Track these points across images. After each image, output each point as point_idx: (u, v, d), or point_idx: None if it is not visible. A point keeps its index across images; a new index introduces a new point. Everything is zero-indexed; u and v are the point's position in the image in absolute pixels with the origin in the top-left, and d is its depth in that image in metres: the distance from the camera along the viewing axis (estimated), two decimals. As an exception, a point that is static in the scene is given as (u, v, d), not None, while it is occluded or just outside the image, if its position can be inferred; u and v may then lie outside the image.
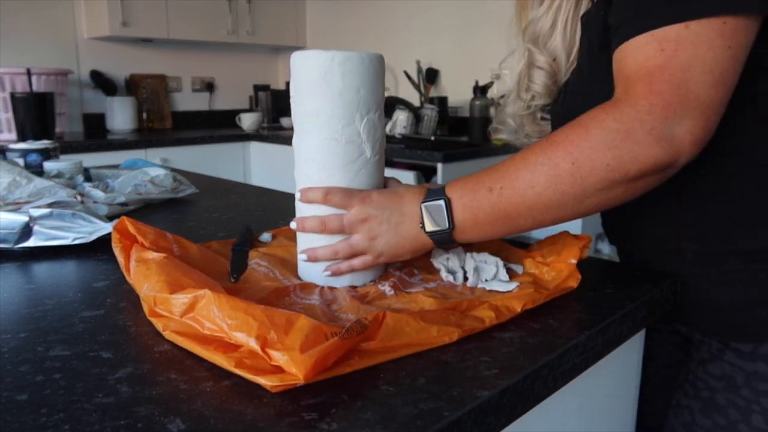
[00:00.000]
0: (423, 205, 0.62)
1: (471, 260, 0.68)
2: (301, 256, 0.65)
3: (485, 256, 0.69)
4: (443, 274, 0.67)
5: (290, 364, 0.44)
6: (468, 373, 0.47)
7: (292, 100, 0.64)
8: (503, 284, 0.64)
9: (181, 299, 0.52)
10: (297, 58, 0.62)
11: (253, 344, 0.46)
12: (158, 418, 0.41)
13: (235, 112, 3.65)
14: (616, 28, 0.59)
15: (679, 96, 0.54)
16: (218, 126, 3.71)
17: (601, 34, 0.64)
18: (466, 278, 0.67)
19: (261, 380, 0.44)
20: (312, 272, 0.65)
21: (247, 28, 3.51)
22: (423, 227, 0.62)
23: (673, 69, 0.54)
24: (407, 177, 2.39)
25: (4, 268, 0.75)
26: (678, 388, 0.77)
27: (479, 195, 0.60)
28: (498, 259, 0.68)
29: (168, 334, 0.52)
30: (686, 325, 0.76)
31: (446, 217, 0.61)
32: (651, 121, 0.54)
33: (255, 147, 3.22)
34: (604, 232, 0.84)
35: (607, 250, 2.90)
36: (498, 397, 0.45)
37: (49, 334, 0.55)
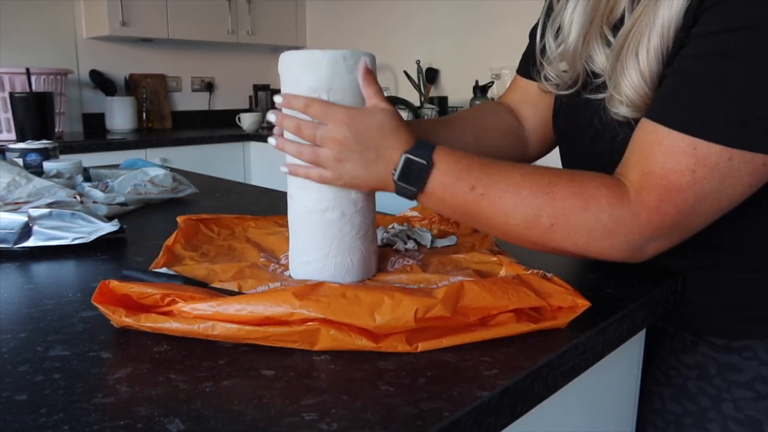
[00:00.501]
0: (405, 156, 0.59)
1: (411, 233, 0.78)
2: (282, 169, 0.65)
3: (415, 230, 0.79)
4: (400, 245, 0.73)
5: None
6: (468, 373, 0.47)
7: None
8: (445, 240, 0.77)
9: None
10: (281, 58, 0.64)
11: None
12: (158, 418, 0.41)
13: (234, 112, 3.65)
14: (672, 97, 0.56)
15: (677, 222, 0.56)
16: (218, 126, 3.71)
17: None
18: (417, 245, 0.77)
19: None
20: (300, 271, 0.65)
21: (247, 28, 3.51)
22: (394, 176, 0.60)
23: (690, 196, 0.54)
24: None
25: (4, 268, 0.75)
26: (649, 376, 0.78)
27: (460, 186, 0.60)
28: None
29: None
30: (660, 319, 0.76)
31: (421, 181, 0.60)
32: (636, 235, 0.56)
33: (255, 147, 3.22)
34: None
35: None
36: (498, 397, 0.45)
37: (49, 334, 0.55)
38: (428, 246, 0.77)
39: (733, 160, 0.53)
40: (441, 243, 0.76)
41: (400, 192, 0.62)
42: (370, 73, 0.62)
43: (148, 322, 0.52)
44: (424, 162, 0.60)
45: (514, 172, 0.60)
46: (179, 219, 0.83)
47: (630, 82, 0.61)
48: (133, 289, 0.53)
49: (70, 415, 0.41)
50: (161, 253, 0.72)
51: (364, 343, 0.50)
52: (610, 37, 0.67)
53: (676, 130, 0.54)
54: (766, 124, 0.52)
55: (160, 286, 0.54)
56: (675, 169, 0.54)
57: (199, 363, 0.49)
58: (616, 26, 0.66)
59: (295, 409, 0.42)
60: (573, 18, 0.70)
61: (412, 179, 0.60)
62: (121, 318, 0.52)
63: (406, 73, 3.07)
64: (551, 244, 0.59)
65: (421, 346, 0.51)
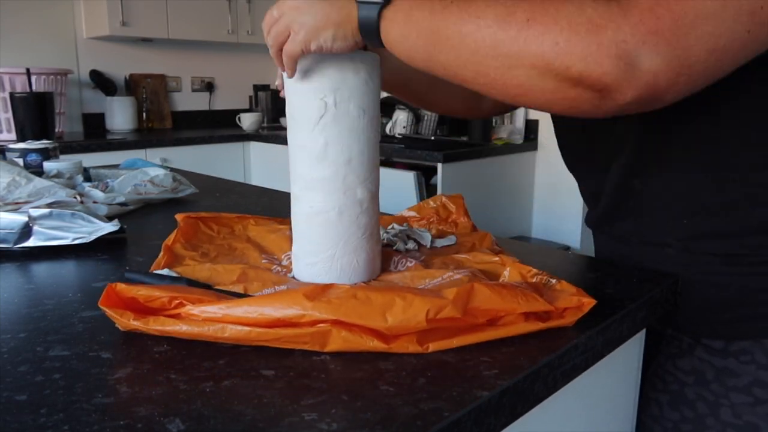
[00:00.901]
0: None
1: (411, 233, 0.79)
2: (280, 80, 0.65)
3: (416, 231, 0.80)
4: (400, 246, 0.73)
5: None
6: (468, 373, 0.47)
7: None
8: (445, 240, 0.77)
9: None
10: None
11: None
12: (158, 418, 0.41)
13: (234, 112, 3.65)
14: None
15: (673, 33, 0.47)
16: (218, 126, 3.71)
17: None
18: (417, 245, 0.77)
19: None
20: (305, 272, 0.65)
21: (247, 28, 3.51)
22: None
23: (689, 8, 0.47)
24: (407, 177, 2.39)
25: (4, 268, 0.75)
26: (646, 382, 0.77)
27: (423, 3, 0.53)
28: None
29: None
30: (659, 321, 0.76)
31: None
32: (628, 33, 0.47)
33: (255, 147, 3.22)
34: (586, 222, 0.84)
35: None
36: (498, 397, 0.45)
37: (49, 334, 0.54)
38: (428, 246, 0.77)
39: None
40: (441, 243, 0.77)
41: (363, 17, 0.56)
42: None
43: (157, 325, 0.51)
44: None
45: None
46: (178, 217, 0.83)
47: None
48: (141, 292, 0.53)
49: (70, 415, 0.41)
50: (161, 253, 0.72)
51: (375, 344, 0.50)
52: None
53: None
54: None
55: (168, 288, 0.54)
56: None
57: (199, 363, 0.49)
58: None
59: (295, 409, 0.42)
60: None
61: None
62: (128, 321, 0.52)
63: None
64: (530, 49, 0.49)
65: (432, 347, 0.51)
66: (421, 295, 0.51)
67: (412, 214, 0.89)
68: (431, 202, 0.90)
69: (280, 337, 0.50)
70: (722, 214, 0.65)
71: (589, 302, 0.56)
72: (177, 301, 0.53)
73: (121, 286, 0.54)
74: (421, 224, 0.85)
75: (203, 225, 0.83)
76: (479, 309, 0.53)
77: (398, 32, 0.56)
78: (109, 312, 0.52)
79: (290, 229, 0.76)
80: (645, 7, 0.47)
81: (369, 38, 0.58)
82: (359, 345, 0.50)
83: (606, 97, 0.50)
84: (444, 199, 0.90)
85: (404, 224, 0.82)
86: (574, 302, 0.56)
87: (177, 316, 0.53)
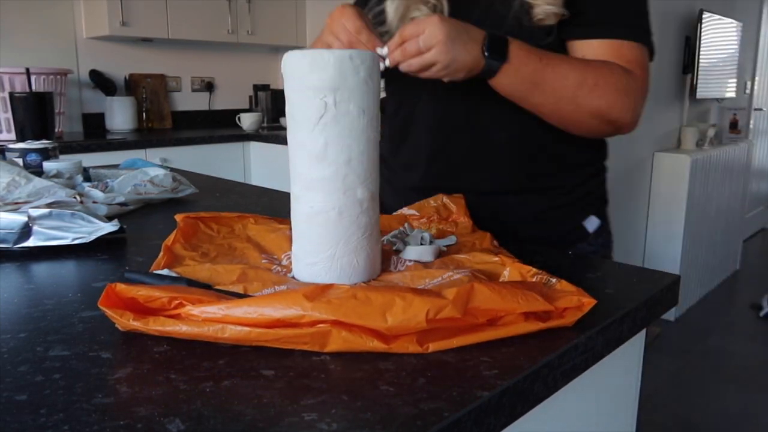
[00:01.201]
0: (489, 33, 0.74)
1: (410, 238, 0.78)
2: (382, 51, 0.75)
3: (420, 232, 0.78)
4: (400, 246, 0.74)
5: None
6: (468, 373, 0.47)
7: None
8: (445, 240, 0.77)
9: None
10: (285, 58, 0.64)
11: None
12: (158, 418, 0.41)
13: (234, 112, 3.65)
14: (608, 23, 0.84)
15: (647, 90, 0.86)
16: (218, 126, 3.71)
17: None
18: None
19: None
20: (305, 273, 0.65)
21: (247, 28, 3.51)
22: (484, 51, 0.73)
23: (646, 71, 0.85)
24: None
25: (4, 268, 0.75)
26: None
27: (531, 57, 0.76)
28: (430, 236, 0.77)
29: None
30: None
31: (505, 52, 0.75)
32: (639, 95, 0.84)
33: (255, 147, 3.22)
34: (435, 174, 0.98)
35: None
36: (498, 397, 0.45)
37: (49, 334, 0.54)
38: (430, 259, 0.76)
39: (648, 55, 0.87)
40: (441, 243, 0.76)
41: (487, 67, 0.74)
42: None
43: (156, 326, 0.51)
44: (505, 37, 0.75)
45: (559, 56, 0.80)
46: (178, 217, 0.83)
47: None
48: (140, 292, 0.53)
49: (70, 415, 0.41)
50: (161, 253, 0.72)
51: (375, 345, 0.50)
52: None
53: (630, 39, 0.84)
54: (650, 34, 0.87)
55: (167, 289, 0.54)
56: (637, 57, 0.84)
57: (199, 363, 0.49)
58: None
59: (295, 409, 0.42)
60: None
61: (497, 51, 0.74)
62: (128, 322, 0.52)
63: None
64: (592, 101, 0.79)
65: (432, 347, 0.51)
66: (421, 295, 0.51)
67: (413, 212, 0.89)
68: (432, 202, 0.90)
69: (280, 338, 0.50)
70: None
71: (589, 302, 0.56)
72: (177, 302, 0.53)
73: (120, 287, 0.54)
74: (422, 223, 0.85)
75: (203, 225, 0.83)
76: (479, 309, 0.53)
77: (508, 81, 0.77)
78: (108, 312, 0.52)
79: (290, 229, 0.76)
80: (640, 77, 0.84)
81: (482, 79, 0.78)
82: (359, 345, 0.50)
83: (618, 130, 0.87)
84: (445, 199, 0.90)
85: (405, 224, 0.82)
86: (574, 302, 0.56)
87: (177, 317, 0.52)
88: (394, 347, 0.50)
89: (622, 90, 0.80)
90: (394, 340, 0.51)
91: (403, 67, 0.74)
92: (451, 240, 0.78)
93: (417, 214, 0.88)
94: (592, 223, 0.97)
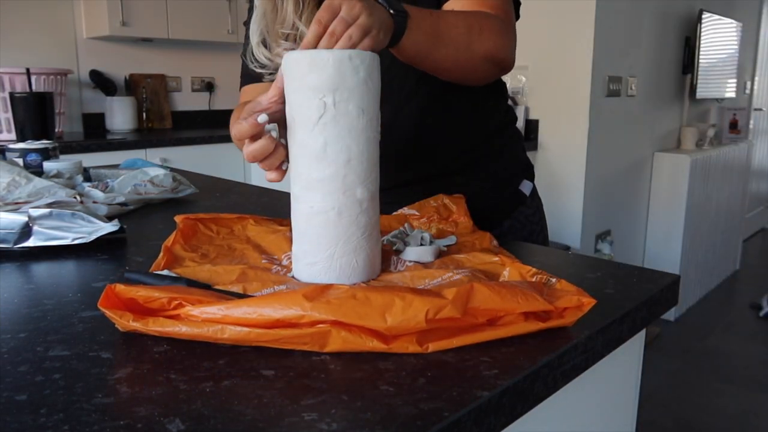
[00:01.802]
0: None
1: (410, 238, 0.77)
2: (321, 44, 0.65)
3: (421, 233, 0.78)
4: (400, 246, 0.74)
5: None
6: (468, 373, 0.47)
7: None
8: (444, 240, 0.76)
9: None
10: (285, 58, 0.64)
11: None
12: (158, 418, 0.41)
13: (234, 112, 3.64)
14: None
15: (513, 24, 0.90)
16: (218, 126, 3.71)
17: None
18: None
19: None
20: (304, 273, 0.65)
21: (246, 28, 3.50)
22: (388, 10, 0.70)
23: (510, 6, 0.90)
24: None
25: (4, 268, 0.75)
26: None
27: (423, 11, 0.76)
28: (429, 236, 0.77)
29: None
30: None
31: (401, 7, 0.72)
32: (511, 34, 0.88)
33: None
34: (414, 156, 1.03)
35: (607, 250, 2.90)
36: (498, 397, 0.45)
37: (49, 334, 0.55)
38: (430, 259, 0.76)
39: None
40: (441, 243, 0.76)
41: (397, 22, 0.71)
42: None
43: (156, 326, 0.51)
44: None
45: (442, 9, 0.86)
46: (177, 219, 0.83)
47: None
48: (140, 293, 0.53)
49: (70, 415, 0.41)
50: (161, 254, 0.72)
51: (374, 345, 0.50)
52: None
53: None
54: None
55: (167, 289, 0.54)
56: (500, 3, 0.87)
57: (199, 363, 0.49)
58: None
59: (295, 409, 0.42)
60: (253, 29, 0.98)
61: (395, 7, 0.71)
62: (128, 322, 0.52)
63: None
64: (483, 45, 0.82)
65: (432, 347, 0.51)
66: (421, 296, 0.51)
67: (413, 212, 0.89)
68: (432, 201, 0.90)
69: (280, 338, 0.50)
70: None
71: (589, 302, 0.56)
72: (176, 302, 0.53)
73: (120, 287, 0.54)
74: (422, 223, 0.85)
75: (202, 226, 0.83)
76: (479, 309, 0.53)
77: (414, 37, 0.75)
78: (108, 313, 0.52)
79: (290, 230, 0.76)
80: (509, 24, 0.88)
81: (392, 41, 0.75)
82: (359, 345, 0.50)
83: (503, 70, 0.89)
84: (445, 199, 0.90)
85: (405, 224, 0.82)
86: (574, 302, 0.56)
87: (176, 317, 0.52)
88: (393, 347, 0.50)
89: (501, 31, 0.84)
90: (393, 340, 0.51)
91: (342, 43, 0.66)
92: (451, 240, 0.78)
93: (417, 213, 0.88)
94: (526, 187, 1.06)
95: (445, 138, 1.02)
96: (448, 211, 0.88)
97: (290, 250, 0.70)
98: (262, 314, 0.50)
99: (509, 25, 0.88)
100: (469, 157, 1.03)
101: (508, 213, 1.04)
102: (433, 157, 1.02)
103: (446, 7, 0.90)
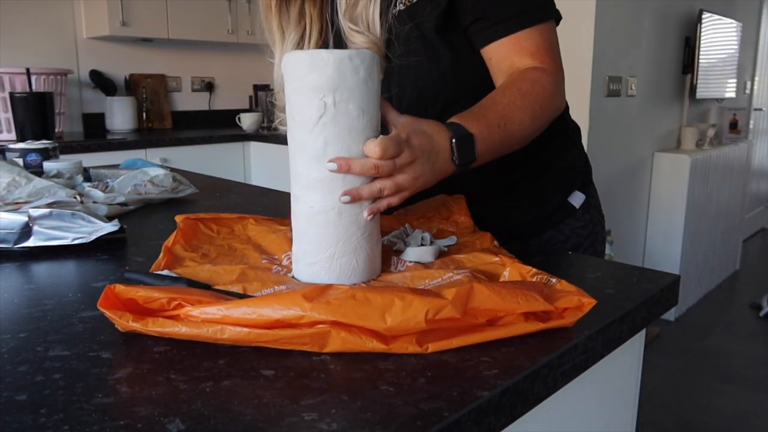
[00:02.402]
0: (454, 141, 0.69)
1: (412, 236, 0.77)
2: (343, 198, 0.63)
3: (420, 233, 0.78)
4: (401, 246, 0.74)
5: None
6: (468, 373, 0.47)
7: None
8: (445, 241, 0.76)
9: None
10: (285, 58, 0.64)
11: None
12: (158, 418, 0.41)
13: (234, 112, 3.65)
14: (497, 22, 0.84)
15: (561, 70, 0.87)
16: (218, 126, 3.71)
17: (439, 23, 0.86)
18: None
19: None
20: (304, 273, 0.65)
21: (247, 28, 3.51)
22: (454, 161, 0.69)
23: (557, 52, 0.87)
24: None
25: (4, 268, 0.75)
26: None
27: (493, 132, 0.74)
28: (429, 236, 0.77)
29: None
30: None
31: (474, 151, 0.71)
32: (561, 84, 0.86)
33: (255, 147, 3.22)
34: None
35: (607, 250, 2.90)
36: (498, 397, 0.45)
37: (49, 334, 0.55)
38: (430, 259, 0.76)
39: (551, 24, 0.87)
40: (441, 243, 0.76)
41: (460, 170, 0.71)
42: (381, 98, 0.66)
43: (156, 327, 0.51)
44: (468, 133, 0.71)
45: (504, 94, 0.79)
46: (178, 218, 0.83)
47: None
48: (139, 293, 0.53)
49: (70, 415, 0.41)
50: (161, 254, 0.72)
51: (374, 345, 0.50)
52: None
53: (522, 29, 0.83)
54: (544, 2, 0.87)
55: (166, 289, 0.54)
56: (539, 44, 0.84)
57: (199, 363, 0.49)
58: None
59: (295, 409, 0.42)
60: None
61: (467, 155, 0.70)
62: (127, 323, 0.52)
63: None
64: (544, 122, 0.83)
65: (432, 347, 0.51)
66: (420, 296, 0.51)
67: (413, 212, 0.89)
68: (432, 202, 0.90)
69: (279, 338, 0.50)
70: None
71: (589, 302, 0.56)
72: (176, 302, 0.53)
73: (119, 288, 0.53)
74: (421, 223, 0.85)
75: (203, 226, 0.83)
76: (479, 309, 0.52)
77: (480, 162, 0.74)
78: (108, 313, 0.52)
79: (290, 230, 0.76)
80: (554, 68, 0.85)
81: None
82: (358, 346, 0.50)
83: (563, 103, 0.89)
84: (446, 199, 0.90)
85: (406, 224, 0.82)
86: (574, 302, 0.56)
87: (176, 318, 0.52)
88: (393, 348, 0.50)
89: (556, 94, 0.84)
90: (393, 341, 0.51)
91: (370, 193, 0.64)
92: (451, 240, 0.78)
93: (417, 214, 0.88)
94: (577, 198, 1.00)
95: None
96: (449, 211, 0.88)
97: (290, 249, 0.70)
98: (261, 314, 0.50)
99: (560, 79, 0.86)
100: (502, 179, 0.96)
101: (554, 224, 0.98)
102: (464, 181, 0.91)
103: (487, 56, 0.86)
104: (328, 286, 0.53)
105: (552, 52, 0.86)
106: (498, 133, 0.75)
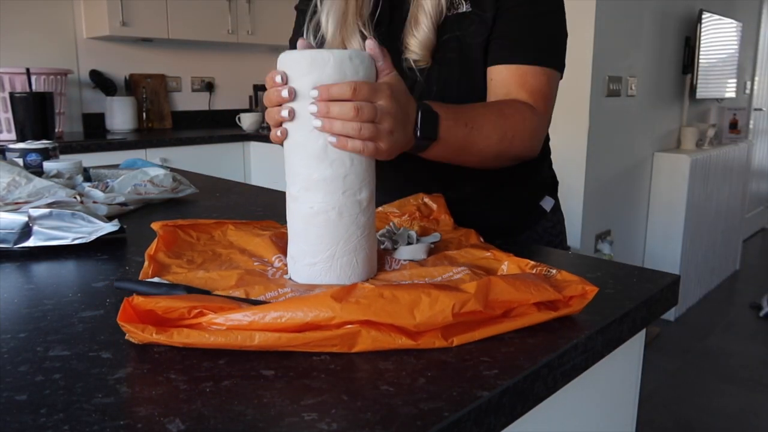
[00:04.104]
0: (420, 113, 0.69)
1: (397, 236, 0.77)
2: (330, 139, 0.61)
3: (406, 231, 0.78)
4: (389, 245, 0.74)
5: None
6: (468, 373, 0.47)
7: None
8: (429, 238, 0.76)
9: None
10: (285, 58, 0.63)
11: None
12: (158, 418, 0.41)
13: (234, 112, 3.65)
14: (515, 48, 0.86)
15: (550, 117, 0.90)
16: (218, 126, 3.71)
17: (485, 40, 0.87)
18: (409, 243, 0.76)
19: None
20: (303, 273, 0.65)
21: (247, 28, 3.51)
22: (416, 132, 0.69)
23: (550, 99, 0.89)
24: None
25: (4, 268, 0.75)
26: None
27: (459, 125, 0.74)
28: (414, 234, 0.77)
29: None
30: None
31: (436, 129, 0.71)
32: (543, 130, 0.88)
33: (255, 147, 3.22)
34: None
35: (607, 250, 2.90)
36: (498, 397, 0.45)
37: (49, 334, 0.55)
38: (418, 258, 0.76)
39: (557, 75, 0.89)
40: (426, 240, 0.76)
41: (416, 146, 0.70)
42: (379, 46, 0.65)
43: (181, 338, 0.50)
44: (436, 114, 0.71)
45: (481, 108, 0.81)
46: (155, 226, 0.79)
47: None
48: (159, 304, 0.51)
49: (70, 415, 0.41)
50: (146, 262, 0.69)
51: (403, 342, 0.50)
52: (365, 31, 0.91)
53: (538, 64, 0.86)
54: (562, 54, 0.90)
55: (186, 298, 0.53)
56: (541, 86, 0.86)
57: (199, 363, 0.49)
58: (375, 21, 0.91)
59: (295, 409, 0.42)
60: (328, 18, 0.92)
61: (429, 130, 0.70)
62: (150, 336, 0.50)
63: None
64: (512, 151, 0.83)
65: (456, 341, 0.52)
66: (445, 291, 0.52)
67: (393, 210, 0.88)
68: (412, 200, 0.90)
69: (309, 341, 0.50)
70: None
71: (592, 290, 0.57)
72: (197, 311, 0.51)
73: (138, 299, 0.51)
74: (403, 220, 0.85)
75: (182, 232, 0.80)
76: (496, 301, 0.54)
77: (434, 153, 0.75)
78: (128, 327, 0.50)
79: (274, 235, 0.75)
80: (543, 111, 0.87)
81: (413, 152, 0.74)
82: (388, 344, 0.50)
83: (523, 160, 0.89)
84: (425, 198, 0.90)
85: (390, 223, 0.82)
86: (578, 290, 0.57)
87: (197, 326, 0.51)
88: (421, 343, 0.51)
89: (533, 136, 0.85)
90: (420, 337, 0.51)
91: (349, 130, 0.61)
92: (435, 237, 0.78)
93: (397, 211, 0.88)
94: (548, 203, 1.07)
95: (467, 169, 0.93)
96: (429, 209, 0.88)
97: (278, 252, 0.70)
98: (292, 318, 0.50)
99: (542, 123, 0.86)
100: (487, 185, 0.99)
101: (530, 225, 1.04)
102: (452, 184, 0.96)
103: (490, 73, 0.88)
104: (353, 286, 0.53)
105: (549, 99, 0.88)
106: (463, 130, 0.75)
